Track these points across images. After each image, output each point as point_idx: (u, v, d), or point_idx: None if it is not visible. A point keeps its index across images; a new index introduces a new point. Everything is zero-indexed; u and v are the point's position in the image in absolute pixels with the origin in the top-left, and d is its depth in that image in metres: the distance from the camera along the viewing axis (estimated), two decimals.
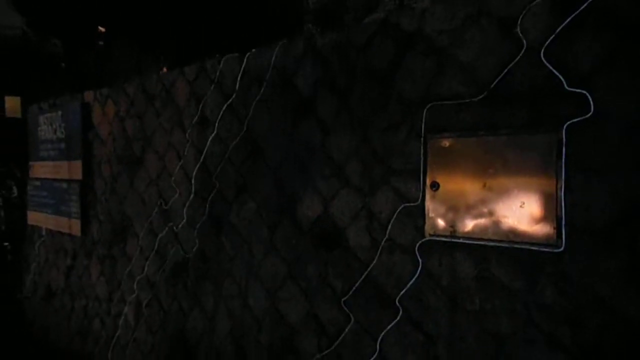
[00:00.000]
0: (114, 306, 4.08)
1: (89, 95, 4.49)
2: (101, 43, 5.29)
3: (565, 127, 1.80)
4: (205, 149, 3.31)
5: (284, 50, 2.86)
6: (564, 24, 1.81)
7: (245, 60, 3.08)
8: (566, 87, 1.80)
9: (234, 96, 3.14)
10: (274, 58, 2.91)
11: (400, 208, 2.28)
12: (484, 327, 1.96)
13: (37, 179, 5.23)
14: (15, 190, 5.70)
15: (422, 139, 2.20)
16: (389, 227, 2.32)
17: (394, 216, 2.30)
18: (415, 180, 2.22)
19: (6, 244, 5.76)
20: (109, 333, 4.12)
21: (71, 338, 4.60)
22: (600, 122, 1.73)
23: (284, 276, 2.78)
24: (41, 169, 5.12)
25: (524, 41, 1.91)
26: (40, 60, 6.16)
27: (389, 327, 2.27)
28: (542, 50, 1.86)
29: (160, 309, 3.61)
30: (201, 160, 3.34)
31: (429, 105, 2.18)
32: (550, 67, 1.84)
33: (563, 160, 1.80)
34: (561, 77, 1.81)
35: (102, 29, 5.24)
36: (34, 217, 5.33)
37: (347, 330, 2.45)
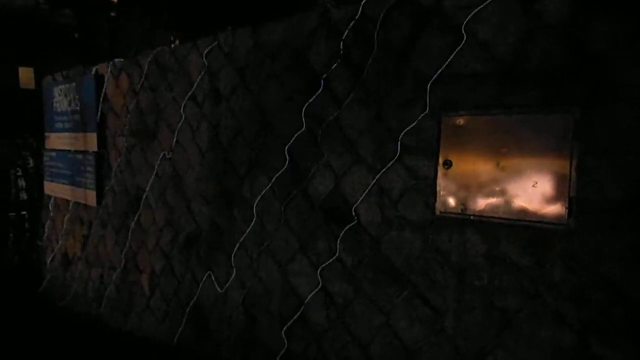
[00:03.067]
0: (129, 275, 4.21)
1: (102, 68, 4.50)
2: (114, 14, 5.26)
3: (580, 107, 1.78)
4: (218, 123, 3.34)
5: (298, 24, 2.83)
6: (584, 2, 1.77)
7: (258, 34, 3.06)
8: (583, 66, 1.78)
9: (247, 70, 3.13)
10: (287, 32, 2.88)
11: (411, 186, 2.29)
12: (492, 303, 2.00)
13: (53, 150, 5.32)
14: (31, 161, 5.81)
15: (436, 116, 2.20)
16: (400, 204, 2.34)
17: (406, 193, 2.32)
18: (428, 158, 2.23)
19: (24, 212, 5.91)
20: (124, 300, 4.26)
21: (88, 304, 4.77)
22: (617, 102, 1.71)
23: (295, 250, 2.84)
24: (57, 141, 5.20)
25: (544, 18, 1.88)
26: (53, 31, 6.15)
27: (397, 301, 2.33)
28: (562, 28, 1.83)
29: (174, 279, 3.72)
30: (214, 134, 3.37)
31: (445, 82, 2.17)
32: (569, 46, 1.81)
33: (577, 140, 1.79)
34: (579, 56, 1.79)
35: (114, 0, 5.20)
36: (51, 188, 5.44)
37: (356, 303, 2.51)
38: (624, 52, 1.70)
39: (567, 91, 1.83)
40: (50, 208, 5.53)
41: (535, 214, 1.90)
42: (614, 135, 1.73)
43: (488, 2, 2.03)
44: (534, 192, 1.91)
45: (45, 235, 5.66)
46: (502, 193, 1.99)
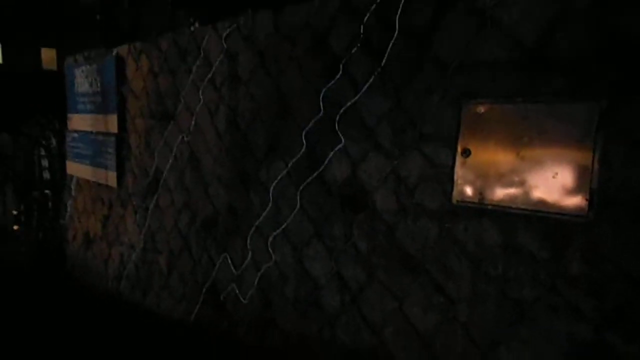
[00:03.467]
0: (148, 254, 4.31)
1: (123, 50, 4.54)
2: None
3: (607, 96, 1.73)
4: (237, 107, 3.35)
5: (319, 7, 2.80)
6: None
7: (278, 17, 3.04)
8: (612, 54, 1.72)
9: (266, 54, 3.12)
10: (307, 15, 2.85)
11: (429, 173, 2.28)
12: (506, 293, 2.00)
13: (75, 130, 5.43)
14: (54, 140, 5.94)
15: (456, 104, 2.16)
16: (417, 191, 2.33)
17: (422, 181, 2.31)
18: (446, 146, 2.21)
19: (47, 191, 6.07)
20: (143, 279, 4.38)
21: (108, 282, 4.91)
22: None
23: (310, 235, 2.86)
24: (79, 121, 5.30)
25: (572, 3, 1.82)
26: (75, 13, 6.21)
27: (410, 288, 2.34)
28: (590, 13, 1.76)
29: (191, 259, 3.80)
30: (232, 117, 3.38)
31: (466, 69, 2.13)
32: (598, 33, 1.75)
33: (602, 130, 1.75)
34: (608, 43, 1.73)
35: None
36: (73, 167, 5.57)
37: (369, 288, 2.53)
38: None
39: (593, 80, 1.78)
40: (72, 187, 5.67)
41: (554, 205, 1.87)
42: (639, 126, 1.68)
43: None
44: (554, 183, 1.88)
45: (68, 213, 5.81)
46: (521, 183, 1.96)
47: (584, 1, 1.79)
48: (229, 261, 3.45)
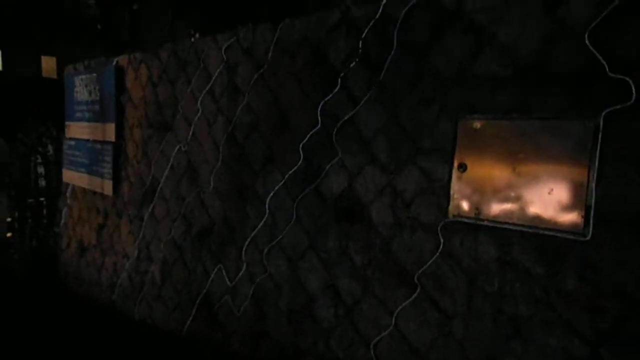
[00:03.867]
0: (142, 264, 4.28)
1: (123, 59, 4.57)
2: (135, 7, 5.33)
3: (603, 114, 1.75)
4: (235, 118, 3.36)
5: (317, 21, 2.83)
6: (610, 7, 1.73)
7: (278, 30, 3.07)
8: (608, 73, 1.75)
9: (265, 66, 3.14)
10: (307, 29, 2.89)
11: (425, 187, 2.28)
12: (502, 309, 1.99)
13: (72, 138, 5.42)
14: (51, 148, 5.92)
15: (453, 119, 2.18)
16: (413, 205, 2.33)
17: (419, 195, 2.31)
18: (443, 161, 2.21)
19: (42, 199, 6.03)
20: (136, 288, 4.34)
21: (101, 291, 4.86)
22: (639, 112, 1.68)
23: (305, 247, 2.85)
24: (76, 129, 5.29)
25: (568, 22, 1.85)
26: (76, 22, 6.26)
27: (405, 302, 2.33)
28: (586, 33, 1.79)
29: (185, 270, 3.77)
30: (230, 129, 3.39)
31: (463, 84, 2.15)
32: (593, 51, 1.78)
33: (598, 148, 1.76)
34: (604, 62, 1.75)
35: None
36: (69, 175, 5.55)
37: (363, 302, 2.51)
38: None
39: (589, 97, 1.80)
40: (68, 195, 5.64)
41: (550, 221, 1.88)
42: (636, 144, 1.69)
43: (510, 4, 2.01)
44: (549, 199, 1.88)
45: (62, 221, 5.77)
46: (517, 199, 1.97)
47: (579, 19, 1.82)
48: (224, 272, 3.42)
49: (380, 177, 2.47)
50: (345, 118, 2.64)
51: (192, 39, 3.82)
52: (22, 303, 4.96)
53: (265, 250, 3.11)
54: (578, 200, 1.81)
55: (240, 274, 3.29)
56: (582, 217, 1.80)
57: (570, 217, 1.83)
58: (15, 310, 4.73)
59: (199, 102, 3.66)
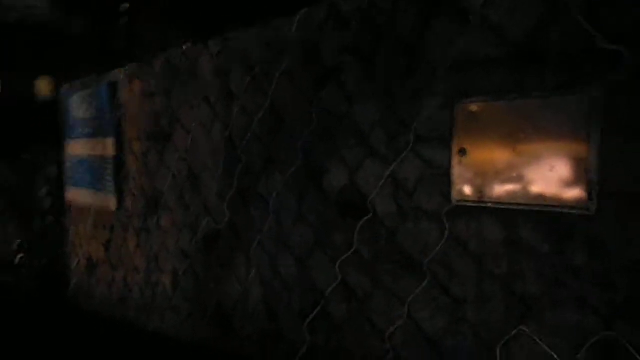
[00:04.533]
0: (152, 276, 4.29)
1: (117, 74, 4.58)
2: (126, 20, 5.34)
3: (599, 88, 1.74)
4: (231, 123, 3.36)
5: (306, 18, 2.83)
6: None
7: (267, 31, 3.07)
8: (602, 45, 1.73)
9: (257, 68, 3.15)
10: (296, 27, 2.89)
11: (426, 175, 2.28)
12: (512, 290, 1.98)
13: (73, 156, 5.45)
14: (54, 168, 5.96)
15: (449, 104, 2.17)
16: (416, 194, 2.33)
17: (420, 183, 2.30)
18: (442, 147, 2.21)
19: (49, 218, 6.06)
20: (147, 301, 4.35)
21: (113, 306, 4.87)
22: (638, 82, 1.66)
23: (312, 245, 2.85)
24: (76, 147, 5.32)
25: None
26: (68, 40, 6.28)
27: (416, 291, 2.32)
28: (579, 6, 1.78)
29: (195, 278, 3.78)
30: (227, 133, 3.40)
31: (457, 69, 2.14)
32: (587, 24, 1.76)
33: (597, 122, 1.75)
34: (597, 34, 1.74)
35: (126, 5, 5.28)
36: (72, 194, 5.58)
37: (375, 294, 2.51)
38: None
39: (585, 72, 1.79)
40: (73, 214, 5.67)
41: (553, 199, 1.87)
42: (635, 116, 1.68)
43: None
44: (551, 177, 1.87)
45: (70, 240, 5.80)
46: (519, 179, 1.96)
47: None
48: (233, 277, 3.42)
49: (381, 168, 2.47)
50: (341, 113, 2.64)
51: (184, 47, 3.83)
52: (35, 323, 4.98)
53: (273, 251, 3.11)
54: (581, 176, 1.80)
55: (250, 277, 3.29)
56: (586, 192, 1.79)
57: (574, 193, 1.82)
58: (29, 330, 4.76)
59: (195, 109, 3.67)
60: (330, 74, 2.68)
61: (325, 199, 2.76)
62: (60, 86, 5.72)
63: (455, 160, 2.16)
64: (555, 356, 1.85)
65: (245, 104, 3.25)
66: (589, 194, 1.78)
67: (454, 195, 2.17)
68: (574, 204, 1.82)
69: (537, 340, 1.90)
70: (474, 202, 2.10)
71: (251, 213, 3.27)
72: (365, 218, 2.54)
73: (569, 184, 1.83)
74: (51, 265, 6.01)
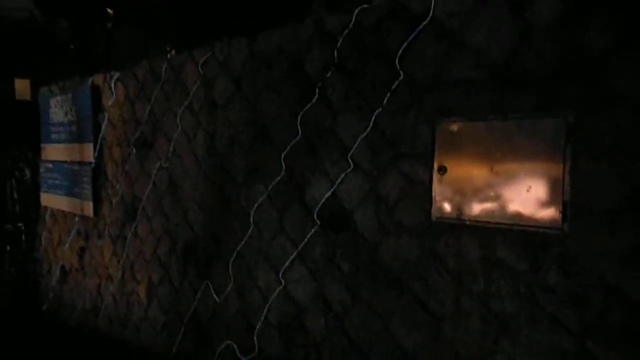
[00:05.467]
0: (126, 285, 4.19)
1: (98, 78, 4.52)
2: (109, 25, 5.29)
3: (574, 111, 1.80)
4: (215, 132, 3.35)
5: (292, 32, 2.85)
6: (576, 6, 1.80)
7: (253, 44, 3.09)
8: (576, 70, 1.80)
9: (242, 79, 3.15)
10: (282, 41, 2.91)
11: (407, 191, 2.31)
12: (489, 308, 2.01)
13: (49, 161, 5.31)
14: (27, 172, 5.79)
15: (430, 122, 2.22)
16: (396, 210, 2.35)
17: (401, 199, 2.33)
18: (423, 164, 2.24)
19: (20, 224, 5.88)
20: (121, 311, 4.24)
21: (85, 315, 4.74)
22: (610, 106, 1.73)
23: (292, 257, 2.84)
24: (53, 151, 5.19)
25: (536, 23, 1.90)
26: (48, 42, 6.17)
27: (395, 307, 2.33)
28: (553, 32, 1.85)
29: (171, 288, 3.71)
30: (210, 143, 3.38)
31: (438, 88, 2.19)
32: (561, 50, 1.83)
33: (571, 144, 1.81)
34: (572, 60, 1.81)
35: (109, 10, 5.23)
36: (47, 199, 5.43)
37: (354, 309, 2.51)
38: (618, 54, 1.72)
39: (560, 95, 1.85)
40: (47, 219, 5.51)
41: (529, 218, 1.91)
42: (608, 138, 1.74)
43: (479, 9, 2.06)
44: (527, 197, 1.92)
45: (42, 246, 5.63)
46: (497, 198, 2.01)
47: (547, 20, 1.88)
48: (211, 288, 3.38)
49: (363, 183, 2.49)
50: (325, 127, 2.66)
51: (168, 55, 3.81)
52: (3, 331, 4.80)
53: (252, 263, 3.08)
54: (555, 196, 1.86)
55: (228, 289, 3.25)
56: (560, 212, 1.84)
57: (549, 213, 1.87)
58: None
59: (178, 118, 3.64)
60: (315, 88, 2.70)
61: (307, 212, 2.77)
62: (39, 89, 5.60)
63: (435, 177, 2.20)
64: None
65: (230, 114, 3.25)
66: (564, 213, 1.83)
67: (434, 212, 2.20)
68: (549, 224, 1.87)
69: (512, 356, 1.93)
70: (453, 219, 2.14)
71: (232, 224, 3.24)
72: (347, 232, 2.55)
73: (545, 204, 1.88)
74: (21, 272, 5.81)
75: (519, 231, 1.93)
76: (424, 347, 2.22)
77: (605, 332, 1.73)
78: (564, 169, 1.84)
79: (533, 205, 1.91)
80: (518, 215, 1.94)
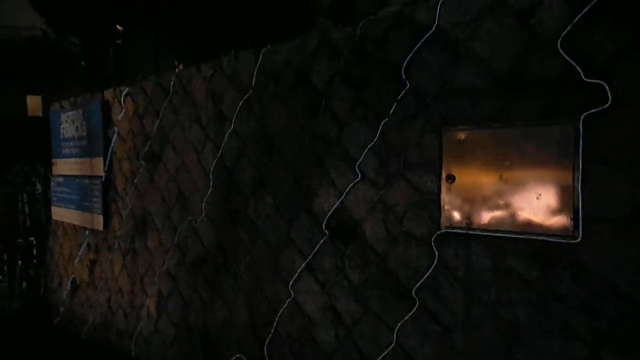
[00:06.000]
0: (136, 298, 4.20)
1: (108, 94, 4.59)
2: (119, 41, 5.39)
3: (582, 118, 1.80)
4: (223, 145, 3.38)
5: (298, 45, 2.89)
6: (580, 14, 1.80)
7: (260, 57, 3.12)
8: (583, 78, 1.80)
9: (250, 92, 3.18)
10: (288, 53, 2.94)
11: (415, 201, 2.30)
12: (500, 317, 1.99)
13: (60, 175, 5.38)
14: (39, 186, 5.87)
15: (437, 132, 2.22)
16: (405, 219, 2.35)
17: (410, 209, 2.33)
18: (431, 173, 2.24)
19: (31, 238, 5.94)
20: (131, 325, 4.25)
21: (95, 329, 4.75)
22: (618, 112, 1.72)
23: (301, 269, 2.84)
24: (64, 166, 5.26)
25: (541, 32, 1.91)
26: (60, 59, 6.30)
27: (405, 318, 2.31)
28: (559, 40, 1.86)
29: (181, 301, 3.71)
30: (219, 155, 3.41)
31: (444, 98, 2.20)
32: (567, 58, 1.84)
33: (580, 151, 1.80)
34: (578, 68, 1.81)
35: (119, 27, 5.33)
36: (58, 213, 5.49)
37: (363, 320, 2.49)
38: (624, 61, 1.72)
39: (567, 102, 1.85)
40: (58, 233, 5.56)
41: (540, 226, 1.90)
42: (618, 145, 1.73)
43: (483, 18, 2.07)
44: (537, 204, 1.91)
45: (53, 260, 5.67)
46: (506, 206, 1.99)
47: (552, 28, 1.88)
48: (221, 300, 3.37)
49: (371, 193, 2.49)
50: (332, 138, 2.67)
51: (177, 70, 3.86)
52: (14, 346, 4.82)
53: (261, 275, 3.08)
54: (566, 204, 1.84)
55: (238, 301, 3.24)
56: (571, 219, 1.82)
57: (560, 221, 1.85)
58: (8, 354, 4.59)
59: (186, 131, 3.68)
60: (322, 99, 2.73)
61: (315, 223, 2.77)
62: (50, 105, 5.70)
63: (443, 186, 2.20)
64: None
65: (237, 126, 3.28)
66: (574, 221, 1.82)
67: (443, 222, 2.19)
68: (560, 232, 1.85)
69: None
70: (462, 228, 2.12)
71: (240, 236, 3.25)
72: (355, 242, 2.55)
73: (555, 211, 1.87)
74: (32, 286, 5.85)
75: (529, 239, 1.92)
76: (435, 358, 2.19)
77: (620, 340, 1.70)
78: (573, 175, 1.82)
79: (543, 213, 1.89)
80: (528, 224, 1.93)
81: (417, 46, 2.30)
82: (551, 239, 1.86)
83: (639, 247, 1.67)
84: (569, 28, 1.83)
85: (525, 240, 1.93)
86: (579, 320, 1.78)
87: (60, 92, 5.67)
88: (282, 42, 2.99)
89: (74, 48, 6.36)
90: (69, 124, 5.11)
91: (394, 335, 2.35)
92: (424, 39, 2.27)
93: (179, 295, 3.74)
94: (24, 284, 5.83)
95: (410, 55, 2.32)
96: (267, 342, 3.02)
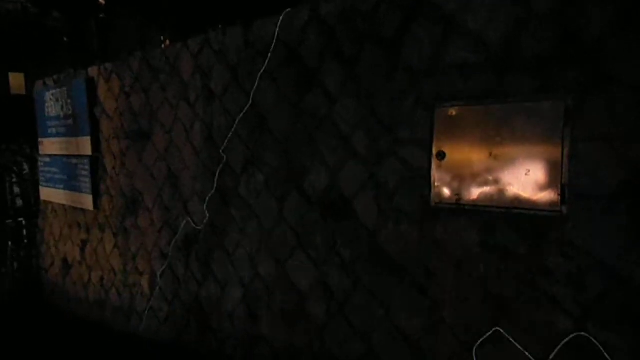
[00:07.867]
0: (129, 277, 4.22)
1: (93, 71, 4.48)
2: (102, 15, 5.23)
3: (572, 94, 1.80)
4: (212, 123, 3.33)
5: (288, 20, 2.82)
6: None
7: (249, 32, 3.05)
8: (575, 53, 1.79)
9: (239, 68, 3.13)
10: (278, 28, 2.88)
11: (406, 177, 2.31)
12: (488, 291, 2.03)
13: (47, 155, 5.30)
14: (26, 166, 5.79)
15: (429, 108, 2.21)
16: (396, 196, 2.36)
17: (401, 185, 2.33)
18: (422, 150, 2.24)
19: (21, 219, 5.89)
20: (125, 303, 4.28)
21: (90, 308, 4.77)
22: (609, 89, 1.72)
23: (293, 246, 2.86)
24: (51, 146, 5.18)
25: (533, 6, 1.88)
26: (42, 35, 6.11)
27: (396, 293, 2.35)
28: (552, 15, 1.83)
29: (174, 279, 3.73)
30: (208, 133, 3.37)
31: (436, 73, 2.17)
32: (559, 33, 1.82)
33: (569, 127, 1.81)
34: (570, 43, 1.80)
35: (102, 1, 5.16)
36: (46, 193, 5.43)
37: (355, 296, 2.53)
38: (616, 37, 1.71)
39: (558, 78, 1.84)
40: (47, 213, 5.52)
41: (528, 202, 1.92)
42: (607, 121, 1.74)
43: None
44: (526, 180, 1.93)
45: (44, 240, 5.65)
46: (496, 182, 2.01)
47: (545, 4, 1.85)
48: (213, 278, 3.40)
49: (362, 170, 2.49)
50: (323, 114, 2.65)
51: (163, 46, 3.77)
52: (8, 326, 4.84)
53: (253, 252, 3.10)
54: (554, 179, 1.86)
55: (230, 278, 3.27)
56: (559, 195, 1.84)
57: (547, 196, 1.87)
58: (2, 334, 4.62)
59: (174, 108, 3.62)
60: (312, 75, 2.69)
61: (307, 200, 2.77)
62: (33, 83, 5.55)
63: (434, 163, 2.20)
64: (530, 355, 1.91)
65: (226, 104, 3.23)
66: (562, 196, 1.84)
67: (433, 198, 2.21)
68: (547, 207, 1.87)
69: (512, 340, 1.95)
70: (452, 204, 2.14)
71: (232, 213, 3.25)
72: (347, 219, 2.56)
73: (543, 187, 1.89)
74: (24, 266, 5.84)
75: (517, 214, 1.94)
76: (425, 331, 2.24)
77: (605, 313, 1.75)
78: (562, 152, 1.84)
79: (532, 188, 1.91)
80: (517, 199, 1.95)
81: (409, 20, 2.26)
82: (539, 214, 1.89)
83: (624, 222, 1.70)
84: (561, 2, 1.81)
85: (513, 215, 1.95)
86: (565, 293, 1.83)
87: (44, 69, 5.52)
88: (270, 17, 2.92)
89: (56, 23, 6.16)
90: (53, 102, 5.00)
91: (385, 310, 2.40)
92: (415, 13, 2.23)
93: (171, 273, 3.76)
94: (15, 264, 5.81)
95: (402, 29, 2.29)
96: (260, 317, 3.06)
